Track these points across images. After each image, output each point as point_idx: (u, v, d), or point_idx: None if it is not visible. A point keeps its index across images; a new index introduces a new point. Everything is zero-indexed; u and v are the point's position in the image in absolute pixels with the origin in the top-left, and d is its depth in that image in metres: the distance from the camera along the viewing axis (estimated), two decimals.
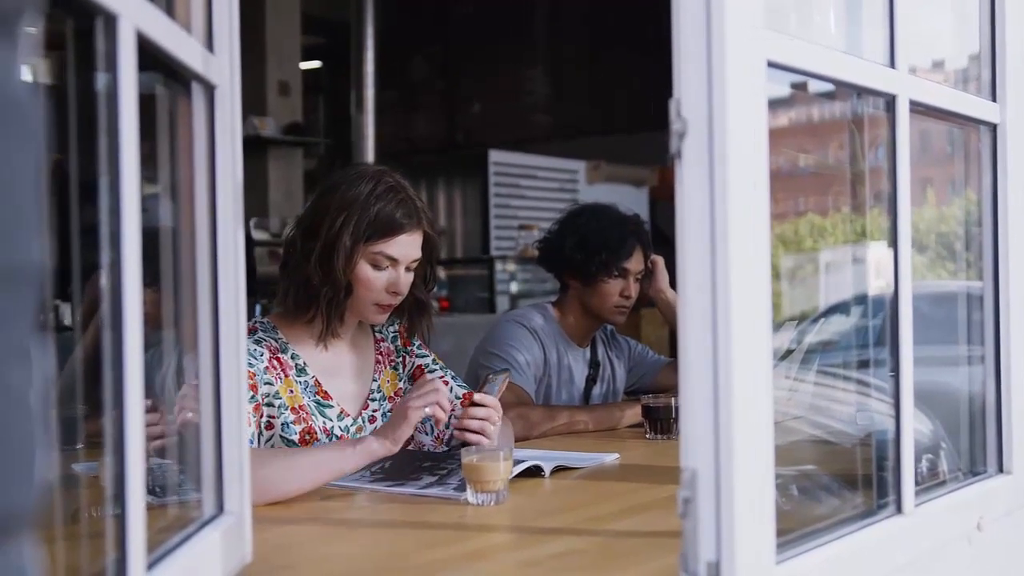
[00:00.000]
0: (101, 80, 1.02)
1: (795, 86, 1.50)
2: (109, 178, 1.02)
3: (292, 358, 2.23)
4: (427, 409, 1.99)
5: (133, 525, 1.01)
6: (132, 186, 1.03)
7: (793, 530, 1.34)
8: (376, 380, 2.36)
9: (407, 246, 2.22)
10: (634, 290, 3.04)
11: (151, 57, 1.13)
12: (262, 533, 1.51)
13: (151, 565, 1.10)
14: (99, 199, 1.03)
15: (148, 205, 1.12)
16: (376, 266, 2.20)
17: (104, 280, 1.03)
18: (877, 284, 1.91)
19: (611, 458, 2.36)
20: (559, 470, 2.19)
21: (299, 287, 2.21)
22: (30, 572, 0.62)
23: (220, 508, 1.37)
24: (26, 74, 0.62)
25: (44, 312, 0.64)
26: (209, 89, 1.35)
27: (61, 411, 1.25)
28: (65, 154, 1.01)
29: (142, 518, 1.03)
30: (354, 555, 1.63)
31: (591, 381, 3.15)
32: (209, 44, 1.35)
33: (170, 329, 1.41)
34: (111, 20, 1.00)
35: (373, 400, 2.34)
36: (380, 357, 2.39)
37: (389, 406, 2.35)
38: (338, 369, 2.30)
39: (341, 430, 2.24)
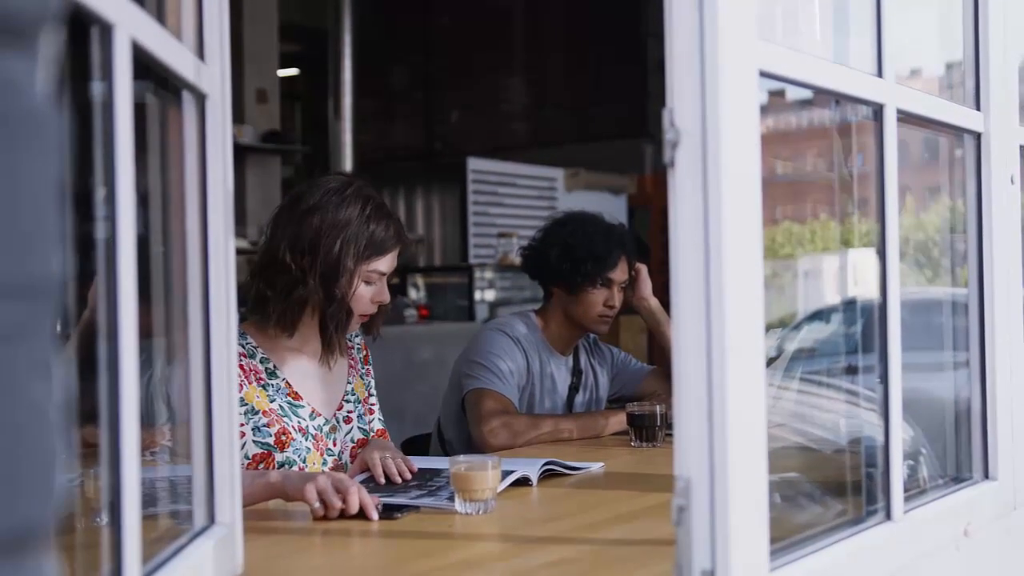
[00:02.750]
0: (96, 88, 1.02)
1: (773, 93, 1.50)
2: (105, 187, 1.01)
3: (261, 362, 2.28)
4: (316, 505, 1.83)
5: (128, 536, 1.01)
6: (127, 195, 1.02)
7: (785, 537, 1.34)
8: (351, 383, 2.43)
9: (393, 259, 2.33)
10: (618, 300, 3.04)
11: (143, 66, 1.12)
12: (252, 544, 1.50)
13: None
14: (93, 208, 1.02)
15: (138, 214, 1.12)
16: (368, 282, 2.29)
17: (99, 289, 1.02)
18: (857, 291, 1.92)
19: (597, 467, 2.37)
20: (548, 476, 2.19)
21: (296, 307, 2.25)
22: None
23: (211, 519, 1.37)
24: (45, 86, 0.62)
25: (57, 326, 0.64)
26: (200, 98, 1.35)
27: None
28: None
29: (137, 529, 1.02)
30: (345, 566, 1.62)
31: (574, 389, 3.15)
32: (200, 53, 1.35)
33: (159, 339, 1.41)
34: (107, 29, 0.99)
35: (348, 401, 2.41)
36: (352, 362, 2.47)
37: (362, 409, 2.44)
38: (311, 372, 2.35)
39: (315, 429, 2.30)
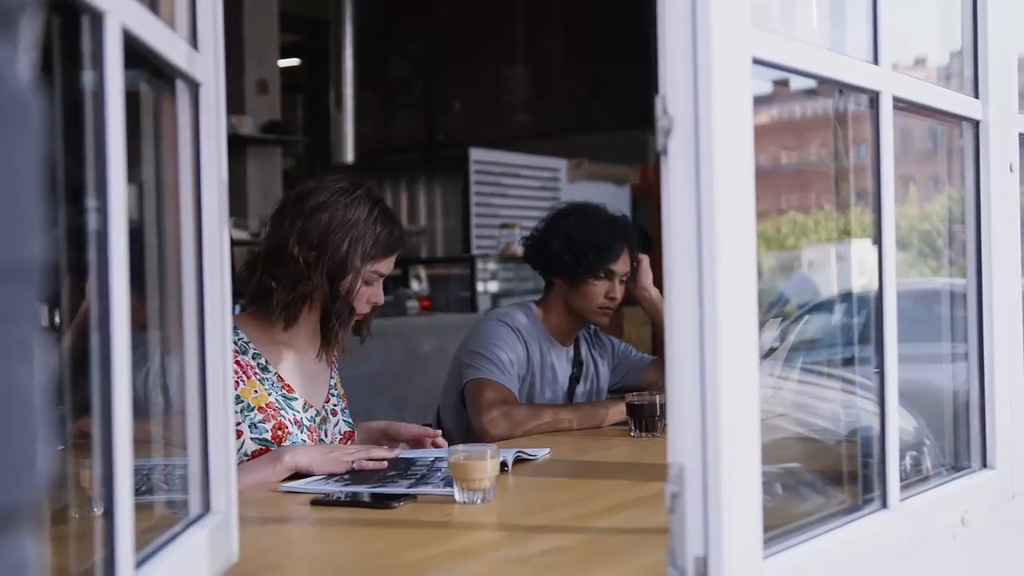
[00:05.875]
0: (87, 77, 1.02)
1: (777, 83, 1.50)
2: (95, 177, 1.01)
3: (253, 358, 2.31)
4: (355, 465, 2.14)
5: (121, 524, 1.01)
6: (119, 185, 1.02)
7: (780, 525, 1.34)
8: (333, 378, 2.49)
9: (392, 262, 2.39)
10: (619, 292, 3.04)
11: (135, 54, 1.12)
12: (248, 533, 1.51)
13: (139, 564, 1.09)
14: (82, 198, 1.02)
15: (132, 204, 1.12)
16: (368, 282, 2.34)
17: (90, 280, 1.02)
18: (860, 282, 1.92)
19: (544, 452, 2.40)
20: (519, 462, 2.24)
21: (300, 300, 2.29)
22: (32, 566, 0.62)
23: (207, 507, 1.37)
24: (26, 71, 0.62)
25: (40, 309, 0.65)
26: (194, 87, 1.35)
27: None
28: (49, 153, 1.00)
29: (130, 517, 1.02)
30: (341, 554, 1.62)
31: (575, 380, 3.15)
32: (194, 41, 1.35)
33: (154, 330, 1.41)
34: (97, 17, 0.99)
35: (333, 395, 2.46)
36: (334, 358, 2.51)
37: (344, 404, 2.49)
38: (300, 366, 2.39)
39: (309, 420, 2.34)
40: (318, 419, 2.37)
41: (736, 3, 1.20)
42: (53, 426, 0.64)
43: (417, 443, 2.42)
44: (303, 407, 2.34)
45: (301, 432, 2.29)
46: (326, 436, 2.38)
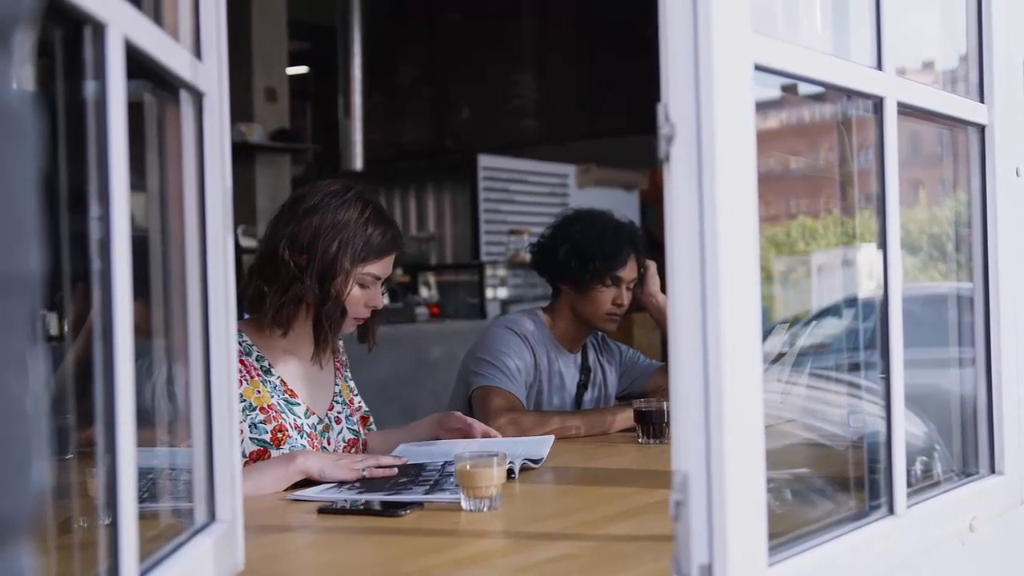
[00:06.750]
0: (89, 88, 1.02)
1: (785, 88, 1.50)
2: (98, 186, 1.01)
3: (257, 360, 2.32)
4: (365, 473, 2.13)
5: (125, 534, 1.01)
6: (121, 195, 1.02)
7: (786, 532, 1.34)
8: (338, 385, 2.48)
9: (388, 265, 2.37)
10: (626, 298, 3.04)
11: (138, 65, 1.12)
12: (254, 542, 1.51)
13: (143, 573, 1.09)
14: (87, 208, 1.03)
15: (138, 213, 1.12)
16: (362, 285, 2.33)
17: (94, 289, 1.02)
18: (869, 286, 1.91)
19: (548, 440, 2.43)
20: (525, 469, 2.23)
21: (292, 303, 2.29)
22: None
23: (212, 516, 1.37)
24: (21, 83, 0.62)
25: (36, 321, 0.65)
26: (198, 97, 1.35)
27: (51, 421, 1.24)
28: (52, 162, 1.00)
29: (134, 528, 1.03)
30: (347, 563, 1.62)
31: (582, 387, 3.15)
32: (197, 52, 1.35)
33: (160, 339, 1.41)
34: (100, 28, 1.00)
35: (337, 402, 2.46)
36: (339, 365, 2.52)
37: (349, 411, 2.49)
38: (303, 373, 2.39)
39: (310, 427, 2.35)
40: (320, 426, 2.37)
41: (737, 9, 1.20)
42: (49, 438, 0.64)
43: (466, 434, 2.46)
44: (305, 413, 2.34)
45: (301, 437, 2.30)
46: (329, 444, 2.38)
